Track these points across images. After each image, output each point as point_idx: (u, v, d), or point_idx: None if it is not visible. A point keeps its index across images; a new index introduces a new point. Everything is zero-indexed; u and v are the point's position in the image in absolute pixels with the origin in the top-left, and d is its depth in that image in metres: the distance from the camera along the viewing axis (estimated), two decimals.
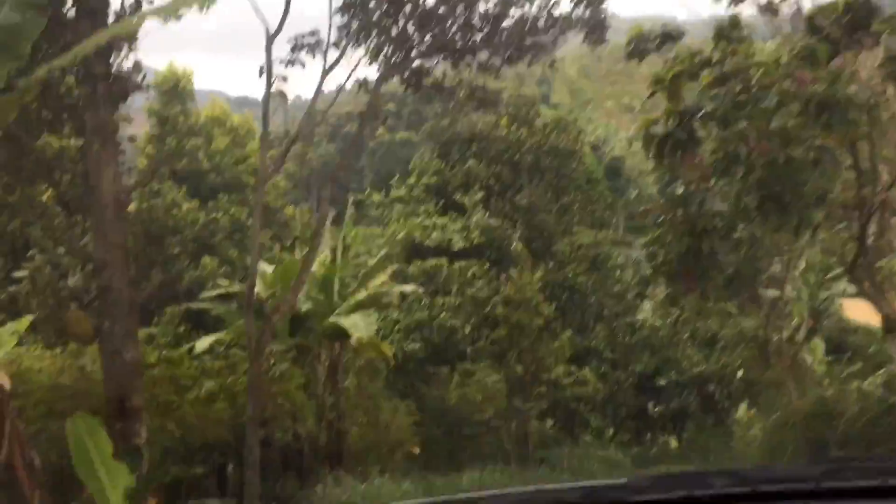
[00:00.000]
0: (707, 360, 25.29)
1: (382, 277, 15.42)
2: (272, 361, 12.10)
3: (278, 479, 11.97)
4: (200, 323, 18.35)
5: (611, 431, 26.89)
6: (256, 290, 14.28)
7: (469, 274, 22.37)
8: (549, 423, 25.82)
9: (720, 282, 11.21)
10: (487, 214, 26.04)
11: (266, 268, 15.06)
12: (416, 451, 15.55)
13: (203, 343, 12.75)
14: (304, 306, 14.97)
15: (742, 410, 26.86)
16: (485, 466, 18.56)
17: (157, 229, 16.40)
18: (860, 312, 27.57)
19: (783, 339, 26.80)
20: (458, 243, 23.94)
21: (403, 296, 20.89)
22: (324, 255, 15.74)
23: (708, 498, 1.36)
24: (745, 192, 9.60)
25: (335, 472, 13.13)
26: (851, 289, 31.47)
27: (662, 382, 25.63)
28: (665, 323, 26.95)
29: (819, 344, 27.93)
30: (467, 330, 21.67)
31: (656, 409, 26.45)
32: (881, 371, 21.16)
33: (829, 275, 32.14)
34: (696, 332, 26.91)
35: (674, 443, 27.99)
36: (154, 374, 10.16)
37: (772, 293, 31.62)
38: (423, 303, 21.90)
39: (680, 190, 10.49)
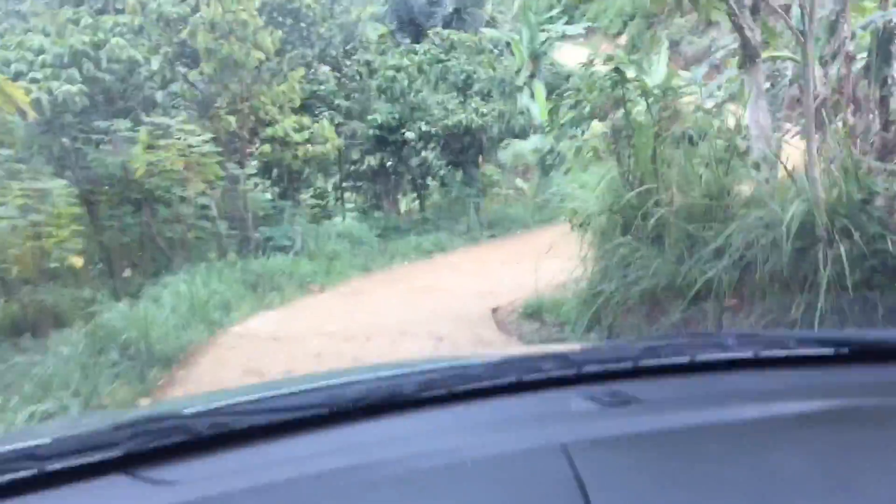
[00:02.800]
0: (464, 108, 20.85)
1: None
2: None
3: None
4: None
5: (345, 197, 22.19)
6: None
7: None
8: (269, 187, 20.40)
9: None
10: None
11: None
12: (79, 262, 9.37)
13: None
14: None
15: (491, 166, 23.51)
16: (195, 266, 12.89)
17: None
18: (572, 55, 26.22)
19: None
20: None
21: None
22: None
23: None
24: None
25: None
26: (568, 30, 29.61)
27: (409, 135, 20.94)
28: (413, 62, 21.84)
29: (540, 86, 25.54)
30: (155, 65, 14.73)
31: (398, 168, 22.02)
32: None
33: (547, 14, 30.17)
34: (447, 72, 22.24)
35: (406, 203, 24.17)
36: None
37: (491, 32, 28.47)
38: (82, 23, 14.37)
39: None
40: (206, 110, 16.35)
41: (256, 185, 18.78)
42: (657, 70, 16.40)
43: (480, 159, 22.28)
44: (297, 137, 17.60)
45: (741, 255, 5.70)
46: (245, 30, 16.31)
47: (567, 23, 29.45)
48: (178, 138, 13.74)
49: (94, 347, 7.13)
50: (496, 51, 25.54)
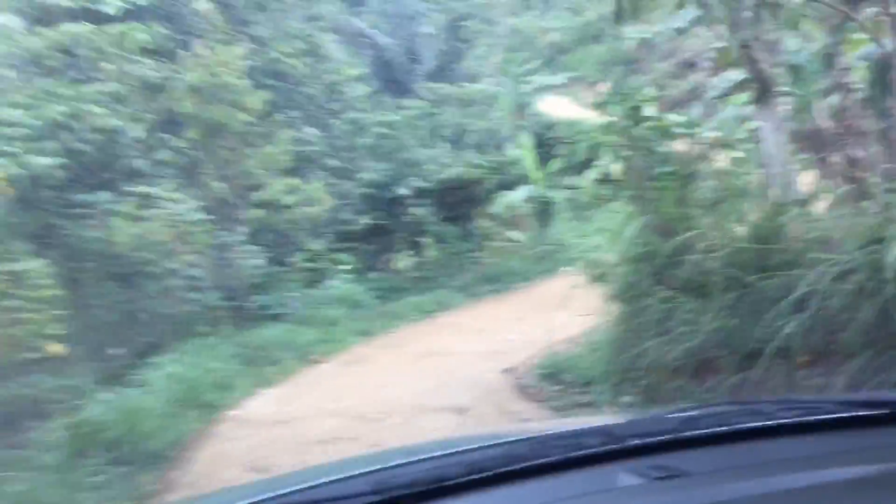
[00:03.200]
0: (458, 161, 20.28)
1: None
2: None
3: None
4: None
5: (339, 258, 21.42)
6: None
7: (132, 45, 14.36)
8: (260, 252, 19.67)
9: None
10: None
11: None
12: (59, 348, 8.52)
13: None
14: None
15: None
16: (186, 342, 12.02)
17: None
18: (554, 106, 26.23)
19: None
20: (113, 1, 15.47)
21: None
22: None
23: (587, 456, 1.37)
24: None
25: None
26: (550, 80, 29.63)
27: (402, 191, 20.29)
28: (405, 118, 21.37)
29: (527, 136, 25.22)
30: (138, 133, 14.05)
31: (393, 225, 21.30)
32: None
33: (528, 66, 30.31)
34: (439, 126, 21.77)
35: (402, 262, 23.39)
36: None
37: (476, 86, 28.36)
38: (59, 93, 13.75)
39: None
40: (193, 177, 15.66)
41: (247, 251, 18.04)
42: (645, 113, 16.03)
43: (477, 212, 21.64)
44: (287, 200, 16.91)
45: (819, 305, 4.93)
46: (230, 93, 15.75)
47: (548, 73, 29.47)
48: (165, 208, 13.00)
49: (75, 449, 6.23)
50: (482, 104, 25.29)
